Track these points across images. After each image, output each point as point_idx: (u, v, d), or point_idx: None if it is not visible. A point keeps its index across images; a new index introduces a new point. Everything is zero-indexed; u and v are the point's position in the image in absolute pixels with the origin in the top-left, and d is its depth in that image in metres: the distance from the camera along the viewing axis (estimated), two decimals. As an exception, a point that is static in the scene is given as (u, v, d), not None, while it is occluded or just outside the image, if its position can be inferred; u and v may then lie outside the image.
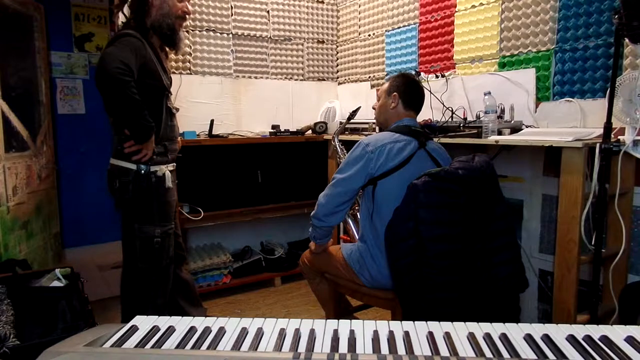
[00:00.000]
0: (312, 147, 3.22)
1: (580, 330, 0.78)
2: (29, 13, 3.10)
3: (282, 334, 0.77)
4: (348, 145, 2.12)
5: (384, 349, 0.73)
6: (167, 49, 2.07)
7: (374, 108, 2.00)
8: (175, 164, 2.08)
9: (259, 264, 3.17)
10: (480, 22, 2.43)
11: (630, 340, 0.74)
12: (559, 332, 0.78)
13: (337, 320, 0.81)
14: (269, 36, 3.30)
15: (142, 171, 1.88)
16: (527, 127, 2.14)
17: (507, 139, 1.96)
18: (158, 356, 0.71)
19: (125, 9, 2.07)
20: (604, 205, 1.70)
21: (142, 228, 1.91)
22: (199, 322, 0.83)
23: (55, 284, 2.09)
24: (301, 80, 3.49)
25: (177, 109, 2.10)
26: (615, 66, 1.67)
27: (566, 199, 1.73)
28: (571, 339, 0.75)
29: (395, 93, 1.87)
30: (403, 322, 0.81)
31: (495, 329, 0.79)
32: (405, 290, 1.60)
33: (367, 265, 1.78)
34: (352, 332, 0.78)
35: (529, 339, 0.75)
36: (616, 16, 1.55)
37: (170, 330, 0.81)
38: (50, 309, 1.95)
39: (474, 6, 2.46)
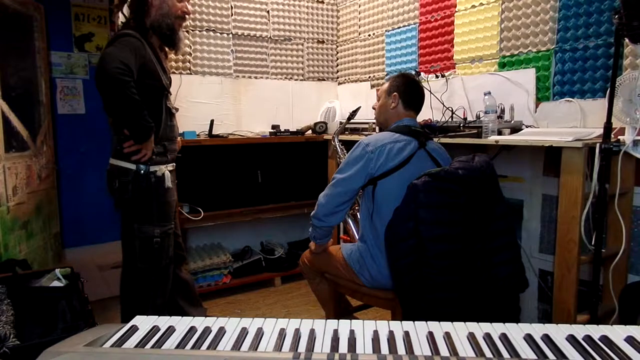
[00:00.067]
0: (312, 147, 3.22)
1: (580, 330, 0.78)
2: (29, 13, 3.10)
3: (282, 334, 0.77)
4: (348, 145, 2.12)
5: (384, 349, 0.73)
6: (166, 49, 2.07)
7: (374, 108, 2.00)
8: (174, 164, 2.08)
9: (259, 264, 3.17)
10: (480, 22, 2.43)
11: (630, 340, 0.74)
12: (559, 332, 0.78)
13: (337, 320, 0.81)
14: (269, 36, 3.30)
15: (142, 171, 1.88)
16: (527, 127, 2.14)
17: (507, 139, 1.96)
18: (158, 356, 0.71)
19: (125, 9, 2.07)
20: (604, 205, 1.70)
21: (142, 228, 1.91)
22: (199, 322, 0.83)
23: (55, 284, 2.09)
24: (301, 80, 3.49)
25: (177, 109, 2.10)
26: (615, 66, 1.67)
27: (566, 199, 1.73)
28: (571, 339, 0.75)
29: (395, 93, 1.87)
30: (403, 322, 0.81)
31: (495, 329, 0.79)
32: (405, 290, 1.60)
33: (367, 265, 1.78)
34: (352, 332, 0.78)
35: (529, 339, 0.75)
36: (616, 16, 1.55)
37: (170, 330, 0.81)
38: (50, 309, 1.95)
39: (474, 6, 2.46)
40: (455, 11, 2.57)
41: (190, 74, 3.02)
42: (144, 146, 1.85)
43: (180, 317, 0.86)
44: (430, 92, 2.57)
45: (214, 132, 2.94)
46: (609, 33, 1.89)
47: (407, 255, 1.55)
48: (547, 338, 0.75)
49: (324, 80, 3.59)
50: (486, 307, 1.59)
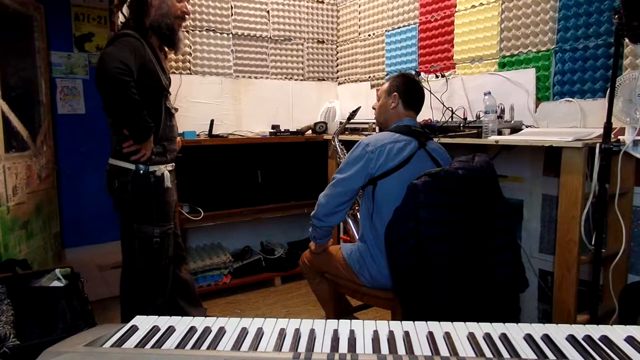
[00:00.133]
0: (312, 147, 3.22)
1: (580, 330, 0.78)
2: (29, 13, 3.10)
3: (282, 334, 0.77)
4: (348, 145, 2.12)
5: (384, 349, 0.73)
6: (166, 49, 2.07)
7: (374, 108, 2.00)
8: (174, 164, 2.08)
9: (259, 264, 3.16)
10: (480, 22, 2.43)
11: (630, 340, 0.74)
12: (559, 332, 0.78)
13: (337, 320, 0.81)
14: (269, 36, 3.30)
15: (141, 171, 1.88)
16: (527, 127, 2.14)
17: (507, 139, 1.96)
18: (158, 356, 0.71)
19: (125, 9, 2.07)
20: (604, 205, 1.70)
21: (141, 228, 1.91)
22: (199, 322, 0.83)
23: (55, 284, 2.09)
24: (301, 80, 3.49)
25: (176, 109, 2.10)
26: (615, 66, 1.67)
27: (566, 199, 1.73)
28: (571, 339, 0.75)
29: (395, 93, 1.87)
30: (403, 322, 0.81)
31: (495, 329, 0.79)
32: (405, 290, 1.60)
33: (367, 265, 1.78)
34: (352, 332, 0.78)
35: (529, 339, 0.75)
36: (616, 16, 1.55)
37: (170, 330, 0.81)
38: (50, 309, 1.95)
39: (474, 6, 2.46)
40: (455, 11, 2.57)
41: (190, 74, 3.02)
42: (143, 146, 1.84)
43: (180, 317, 0.86)
44: (430, 92, 2.57)
45: (214, 132, 2.94)
46: (609, 33, 1.89)
47: (407, 255, 1.55)
48: (547, 338, 0.75)
49: (324, 80, 3.59)
50: (486, 307, 1.59)
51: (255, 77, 3.29)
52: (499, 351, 0.72)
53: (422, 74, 2.76)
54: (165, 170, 1.96)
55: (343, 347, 0.73)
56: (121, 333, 0.80)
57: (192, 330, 0.80)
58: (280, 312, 2.74)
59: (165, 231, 1.96)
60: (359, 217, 1.92)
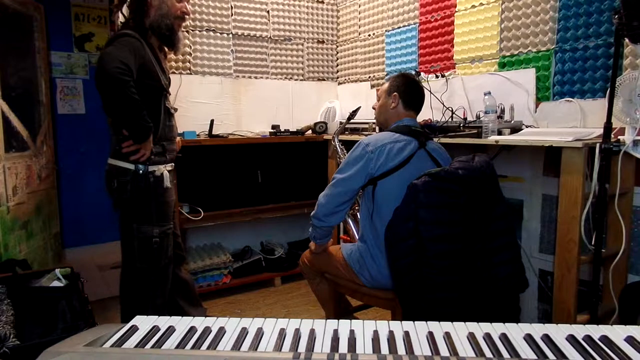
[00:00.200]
0: (312, 147, 3.22)
1: (580, 330, 0.78)
2: (29, 13, 3.10)
3: (282, 334, 0.77)
4: (348, 145, 2.12)
5: (384, 349, 0.73)
6: (166, 49, 2.07)
7: (374, 108, 2.00)
8: (173, 164, 2.08)
9: (259, 264, 3.16)
10: (480, 22, 2.43)
11: (630, 340, 0.74)
12: (559, 332, 0.78)
13: (337, 320, 0.81)
14: (269, 36, 3.30)
15: (140, 171, 1.88)
16: (527, 127, 2.14)
17: (507, 139, 1.96)
18: (158, 356, 0.71)
19: (125, 9, 2.07)
20: (604, 205, 1.70)
21: (141, 228, 1.91)
22: (199, 322, 0.83)
23: (55, 284, 2.09)
24: (301, 80, 3.49)
25: (176, 109, 2.10)
26: (615, 66, 1.67)
27: (566, 199, 1.73)
28: (571, 339, 0.75)
29: (395, 93, 1.87)
30: (403, 322, 0.81)
31: (495, 329, 0.79)
32: (405, 290, 1.60)
33: (367, 265, 1.78)
34: (352, 332, 0.78)
35: (529, 339, 0.75)
36: (616, 16, 1.55)
37: (170, 330, 0.81)
38: (50, 309, 1.95)
39: (474, 6, 2.46)
40: (455, 11, 2.57)
41: (190, 74, 3.02)
42: (142, 146, 1.84)
43: (180, 317, 0.86)
44: (430, 92, 2.57)
45: (214, 132, 2.94)
46: (609, 33, 1.89)
47: (407, 255, 1.55)
48: (547, 338, 0.75)
49: (324, 80, 3.59)
50: (486, 307, 1.59)
51: (255, 77, 3.29)
52: (499, 351, 0.72)
53: (422, 74, 2.76)
54: (164, 170, 1.96)
55: (343, 347, 0.73)
56: (121, 333, 0.80)
57: (192, 330, 0.80)
58: (280, 312, 2.74)
59: (164, 231, 1.96)
60: (359, 217, 1.92)
